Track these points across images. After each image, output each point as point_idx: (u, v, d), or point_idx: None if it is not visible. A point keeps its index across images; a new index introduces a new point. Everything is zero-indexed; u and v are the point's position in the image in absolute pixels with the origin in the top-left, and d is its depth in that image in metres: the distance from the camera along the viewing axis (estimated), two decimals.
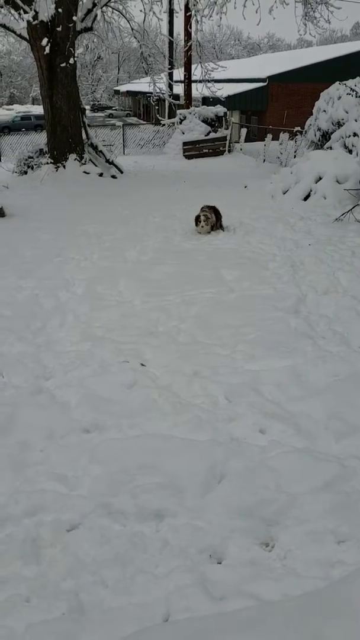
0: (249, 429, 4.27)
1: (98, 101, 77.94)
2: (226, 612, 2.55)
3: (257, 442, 4.08)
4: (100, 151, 18.06)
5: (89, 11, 16.58)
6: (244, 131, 24.19)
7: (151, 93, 21.22)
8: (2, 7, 15.72)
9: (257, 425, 4.31)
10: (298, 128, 18.65)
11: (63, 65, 15.58)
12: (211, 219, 10.18)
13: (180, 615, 2.70)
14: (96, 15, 16.74)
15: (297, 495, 3.48)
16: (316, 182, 12.53)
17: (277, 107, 33.89)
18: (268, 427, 4.29)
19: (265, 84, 35.04)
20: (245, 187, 15.41)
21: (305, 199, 12.48)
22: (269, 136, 20.47)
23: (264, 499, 3.47)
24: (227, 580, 2.95)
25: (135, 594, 2.88)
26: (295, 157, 16.61)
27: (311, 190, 12.51)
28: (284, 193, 13.10)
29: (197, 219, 10.20)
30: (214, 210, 10.36)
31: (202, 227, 10.12)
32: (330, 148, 14.48)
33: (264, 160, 20.29)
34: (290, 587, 2.85)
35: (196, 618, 2.42)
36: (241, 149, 23.26)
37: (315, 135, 16.33)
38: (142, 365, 5.39)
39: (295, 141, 18.14)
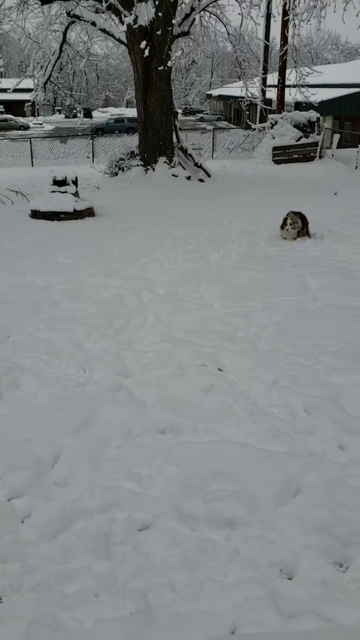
0: (328, 443, 4.13)
1: (190, 105, 78.70)
2: (297, 631, 2.47)
3: (336, 458, 3.94)
4: (190, 154, 18.20)
5: (187, 16, 16.76)
6: (336, 137, 23.64)
7: (243, 97, 21.14)
8: (103, 12, 16.19)
9: (336, 440, 4.16)
10: None
11: (159, 68, 15.82)
12: (297, 225, 9.99)
13: (247, 629, 2.64)
14: (194, 20, 16.89)
15: None
16: None
17: None
18: (348, 444, 4.13)
19: None
20: (336, 194, 15.04)
21: None
22: None
23: (340, 517, 3.34)
24: (298, 598, 2.86)
25: (203, 602, 2.85)
26: None
27: None
28: None
29: (284, 223, 10.05)
30: (301, 216, 10.16)
31: (287, 230, 9.95)
32: None
33: (356, 167, 19.72)
34: None
35: (265, 634, 2.36)
36: (332, 155, 22.74)
37: None
38: (220, 370, 5.35)
39: None
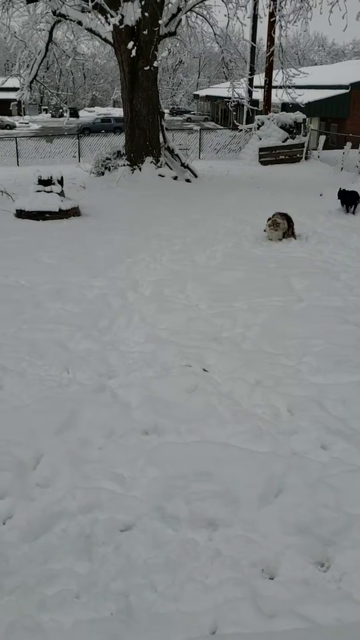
0: (310, 444, 4.15)
1: (177, 105, 78.71)
2: (276, 631, 2.47)
3: (318, 458, 3.96)
4: (176, 155, 18.21)
5: (174, 16, 16.77)
6: (322, 138, 23.74)
7: (230, 98, 21.20)
8: (89, 12, 16.14)
9: (319, 440, 4.18)
10: None
11: (145, 68, 15.81)
12: (282, 225, 10.03)
13: (228, 629, 2.65)
14: (180, 20, 16.89)
15: (358, 517, 3.34)
16: None
17: (358, 114, 33.10)
18: (331, 444, 4.15)
19: (347, 91, 34.30)
20: (321, 195, 15.11)
21: None
22: (349, 144, 19.98)
23: (322, 517, 3.36)
24: (279, 598, 2.87)
25: (184, 602, 2.85)
26: None
27: None
28: None
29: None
30: (287, 217, 10.20)
31: (270, 232, 9.97)
32: None
33: (342, 169, 19.82)
34: (345, 612, 2.73)
35: (245, 634, 2.37)
36: (318, 157, 22.85)
37: None
38: (205, 370, 5.36)
39: None
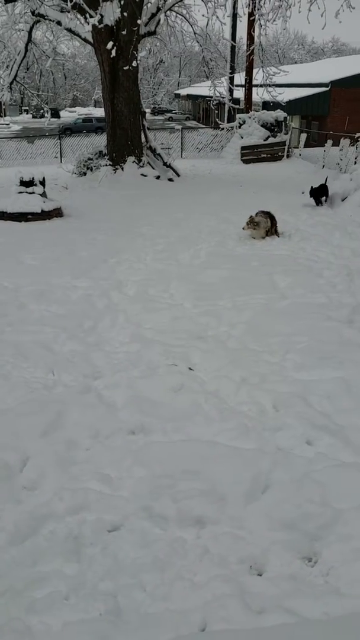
0: (296, 439, 4.18)
1: (158, 104, 78.64)
2: (264, 627, 2.49)
3: (304, 454, 3.99)
4: (159, 154, 18.20)
5: (153, 15, 16.75)
6: (303, 136, 23.86)
7: (211, 97, 21.23)
8: (68, 11, 16.07)
9: (304, 436, 4.22)
10: None
11: (126, 68, 15.77)
12: (264, 224, 10.07)
13: (217, 626, 2.66)
14: (160, 20, 16.88)
15: (343, 511, 3.38)
16: None
17: (339, 112, 33.36)
18: (316, 439, 4.19)
19: (327, 88, 34.55)
20: (303, 192, 15.17)
21: None
22: (329, 142, 20.09)
23: (308, 512, 3.38)
24: (267, 594, 2.89)
25: (173, 601, 2.86)
26: (355, 163, 16.26)
27: None
28: (343, 200, 12.85)
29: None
30: (269, 215, 10.24)
31: (251, 230, 10.00)
32: None
33: (323, 166, 19.94)
34: (332, 605, 2.76)
35: (233, 630, 2.38)
36: (300, 155, 22.96)
37: None
38: (190, 369, 5.37)
39: (357, 147, 17.74)
